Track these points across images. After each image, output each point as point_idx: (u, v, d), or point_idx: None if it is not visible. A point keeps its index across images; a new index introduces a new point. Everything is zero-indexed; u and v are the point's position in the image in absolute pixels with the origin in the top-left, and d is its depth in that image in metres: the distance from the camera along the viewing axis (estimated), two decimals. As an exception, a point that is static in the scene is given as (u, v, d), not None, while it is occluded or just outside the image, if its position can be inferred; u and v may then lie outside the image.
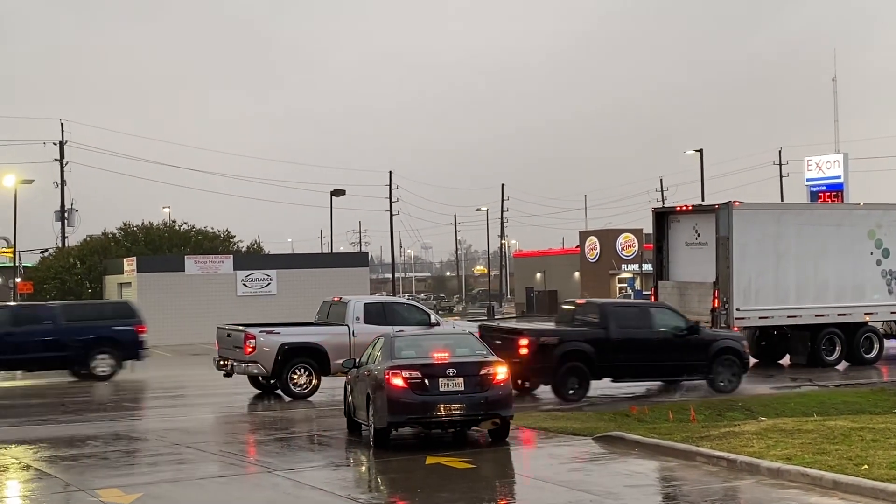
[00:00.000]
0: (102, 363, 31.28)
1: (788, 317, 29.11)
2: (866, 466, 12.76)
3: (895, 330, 31.58)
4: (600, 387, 23.46)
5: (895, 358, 31.18)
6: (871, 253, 30.40)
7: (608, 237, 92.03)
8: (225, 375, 25.99)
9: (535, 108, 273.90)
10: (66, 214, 67.16)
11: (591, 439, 16.53)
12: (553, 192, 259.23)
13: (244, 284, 54.36)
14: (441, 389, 15.97)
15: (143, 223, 63.13)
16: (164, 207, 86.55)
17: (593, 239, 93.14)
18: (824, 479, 12.43)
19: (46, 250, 68.20)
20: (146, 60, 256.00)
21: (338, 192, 72.57)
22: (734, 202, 28.87)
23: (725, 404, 20.82)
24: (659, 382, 24.68)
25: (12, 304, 41.17)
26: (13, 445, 17.58)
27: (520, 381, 22.97)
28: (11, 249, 66.46)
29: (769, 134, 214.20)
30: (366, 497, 13.44)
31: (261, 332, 24.64)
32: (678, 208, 31.71)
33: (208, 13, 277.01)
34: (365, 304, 25.86)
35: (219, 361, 25.73)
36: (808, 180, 55.75)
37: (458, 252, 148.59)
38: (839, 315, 29.60)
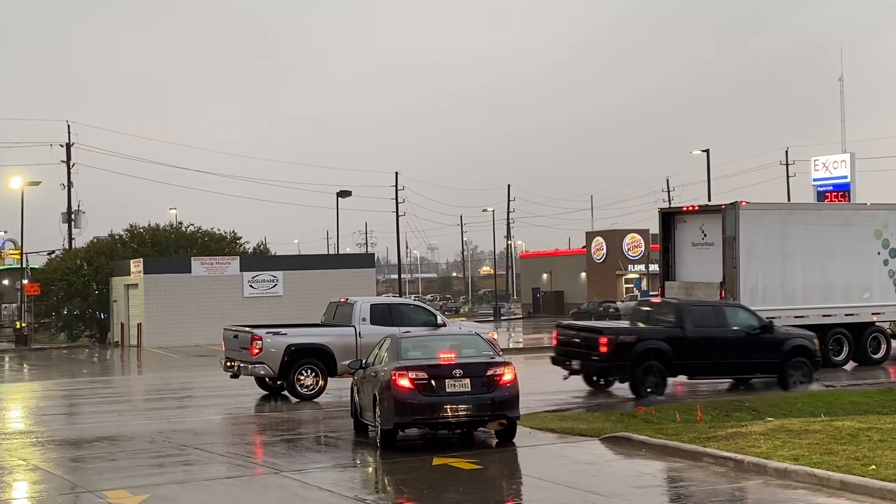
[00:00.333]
0: None
1: (795, 317, 29.04)
2: (874, 467, 12.73)
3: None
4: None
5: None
6: (879, 253, 30.35)
7: (614, 237, 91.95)
8: (232, 377, 26.00)
9: (542, 109, 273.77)
10: (72, 216, 67.33)
11: (598, 440, 16.51)
12: (559, 193, 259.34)
13: (251, 286, 54.40)
14: (448, 390, 15.96)
15: (149, 225, 63.21)
16: (170, 209, 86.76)
17: (600, 239, 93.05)
18: (832, 480, 12.41)
19: (53, 252, 68.35)
20: (152, 62, 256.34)
21: (344, 194, 72.72)
22: (741, 202, 28.83)
23: (732, 405, 20.78)
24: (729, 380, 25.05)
25: None
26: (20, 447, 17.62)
27: (595, 378, 24.37)
28: (19, 251, 66.59)
29: (776, 134, 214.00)
30: (373, 498, 13.44)
31: (267, 333, 24.64)
32: (685, 208, 31.66)
33: (215, 15, 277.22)
34: (371, 305, 25.85)
35: (225, 363, 25.73)
36: (814, 180, 55.68)
37: (465, 253, 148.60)
38: (846, 315, 29.55)
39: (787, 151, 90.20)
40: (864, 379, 26.63)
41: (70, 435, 19.26)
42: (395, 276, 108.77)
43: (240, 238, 64.08)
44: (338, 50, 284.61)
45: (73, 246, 66.43)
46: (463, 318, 70.28)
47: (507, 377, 16.27)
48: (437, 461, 15.03)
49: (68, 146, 67.12)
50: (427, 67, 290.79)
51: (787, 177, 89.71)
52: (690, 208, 31.24)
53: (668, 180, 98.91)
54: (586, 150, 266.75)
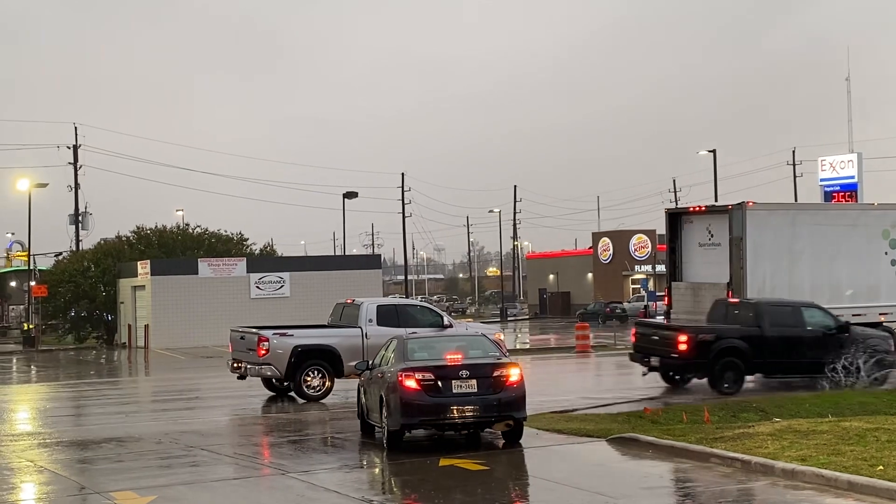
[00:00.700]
0: None
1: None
2: (881, 467, 12.71)
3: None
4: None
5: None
6: (886, 253, 30.27)
7: (621, 238, 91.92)
8: (238, 378, 26.03)
9: (548, 109, 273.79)
10: (80, 218, 67.46)
11: (605, 441, 16.49)
12: (566, 194, 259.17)
13: (257, 287, 54.47)
14: (454, 391, 15.96)
15: (156, 226, 63.32)
16: (177, 210, 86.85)
17: (606, 240, 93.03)
18: (839, 480, 12.39)
19: (61, 253, 68.52)
20: (158, 63, 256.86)
21: (350, 195, 72.68)
22: (748, 202, 28.78)
23: (739, 405, 20.74)
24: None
25: None
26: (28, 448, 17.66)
27: (671, 374, 24.94)
28: (26, 253, 66.79)
29: (783, 134, 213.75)
30: (379, 499, 13.45)
31: (274, 334, 24.67)
32: (691, 209, 31.62)
33: (218, 15, 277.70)
34: (378, 306, 25.86)
35: (232, 364, 25.77)
36: (821, 180, 55.58)
37: (471, 254, 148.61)
38: (854, 315, 29.45)
39: (794, 151, 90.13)
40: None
41: (77, 436, 19.30)
42: (402, 277, 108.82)
43: (246, 239, 64.20)
44: (341, 50, 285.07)
45: (81, 248, 66.57)
46: (469, 319, 70.28)
47: (514, 378, 16.26)
48: (443, 462, 15.03)
49: (75, 148, 67.26)
50: (431, 67, 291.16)
51: (794, 177, 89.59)
52: (697, 209, 31.20)
53: (674, 181, 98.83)
54: (593, 151, 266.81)
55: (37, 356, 51.23)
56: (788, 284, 28.85)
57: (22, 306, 72.09)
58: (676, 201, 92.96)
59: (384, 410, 16.37)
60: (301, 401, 24.21)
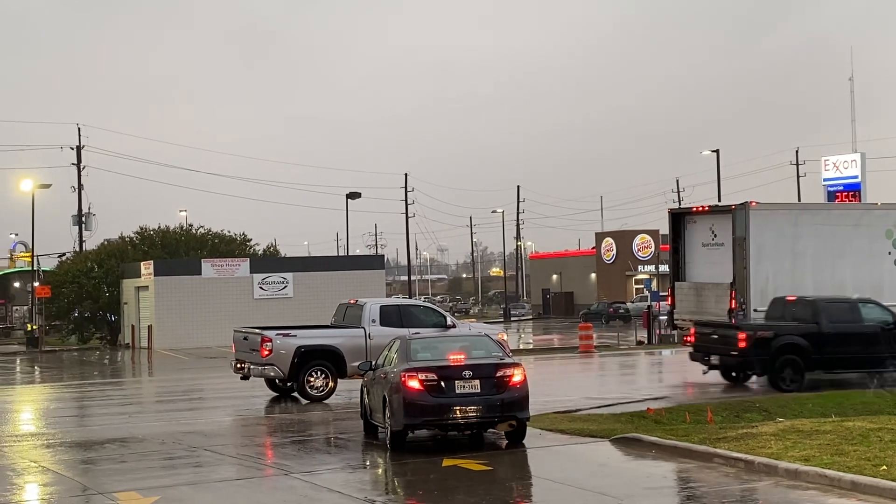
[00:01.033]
0: None
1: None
2: (885, 467, 12.69)
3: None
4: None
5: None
6: (889, 253, 30.24)
7: (624, 238, 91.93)
8: (242, 378, 26.04)
9: (551, 110, 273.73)
10: (83, 218, 67.52)
11: (608, 441, 16.48)
12: (569, 194, 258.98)
13: (261, 287, 54.48)
14: (457, 391, 15.96)
15: (159, 227, 63.33)
16: (180, 211, 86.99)
17: (609, 240, 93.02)
18: (842, 480, 12.38)
19: (64, 254, 68.58)
20: (160, 63, 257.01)
21: (354, 195, 72.76)
22: (751, 202, 28.75)
23: (743, 405, 20.74)
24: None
25: None
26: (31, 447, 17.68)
27: (732, 373, 25.38)
28: (30, 253, 66.83)
29: (786, 134, 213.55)
30: (383, 499, 13.45)
31: (277, 334, 24.67)
32: (695, 209, 31.60)
33: (223, 16, 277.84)
34: (381, 306, 25.85)
35: (236, 364, 25.78)
36: (825, 180, 55.53)
37: (474, 254, 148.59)
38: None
39: (797, 151, 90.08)
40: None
41: (81, 437, 19.31)
42: (405, 278, 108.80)
43: (250, 240, 64.22)
44: (345, 50, 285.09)
45: (84, 248, 66.60)
46: (473, 320, 70.26)
47: (517, 378, 16.26)
48: (446, 462, 15.03)
49: (78, 149, 67.33)
50: (435, 68, 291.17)
51: (798, 177, 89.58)
52: (700, 209, 31.18)
53: (677, 181, 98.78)
54: (595, 151, 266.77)
55: (40, 357, 51.27)
56: (791, 284, 28.81)
57: (25, 307, 72.13)
58: (680, 201, 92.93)
59: (387, 411, 16.37)
60: (304, 401, 24.21)
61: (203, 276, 53.75)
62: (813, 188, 75.38)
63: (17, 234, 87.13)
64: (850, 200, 51.62)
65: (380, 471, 15.60)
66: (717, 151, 75.63)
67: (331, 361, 24.49)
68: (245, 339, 25.44)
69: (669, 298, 31.50)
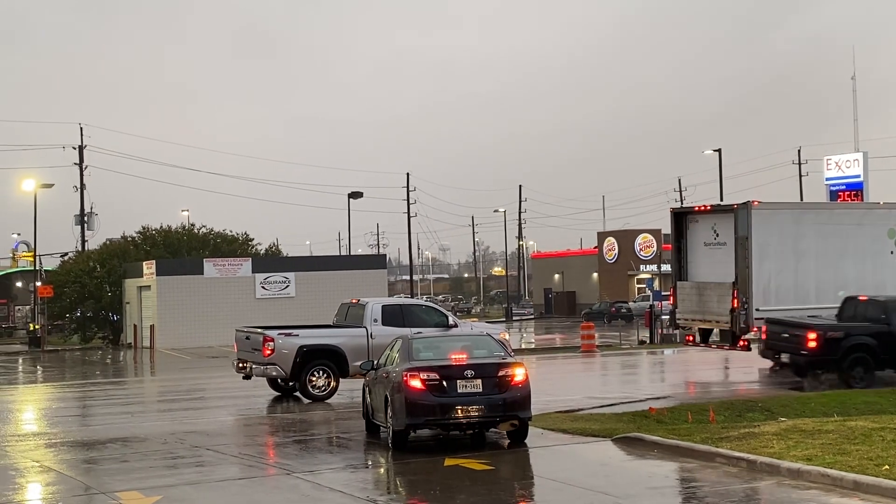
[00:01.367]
0: None
1: (808, 317, 28.92)
2: (887, 467, 12.68)
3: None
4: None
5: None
6: (892, 252, 30.19)
7: (626, 238, 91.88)
8: (244, 378, 26.05)
9: (553, 109, 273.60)
10: (85, 218, 67.58)
11: (610, 441, 16.47)
12: (571, 193, 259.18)
13: (263, 287, 54.50)
14: (459, 391, 15.95)
15: (161, 226, 63.38)
16: (182, 210, 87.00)
17: (611, 239, 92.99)
18: (845, 480, 12.37)
19: (66, 254, 68.61)
20: (162, 63, 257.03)
21: (355, 195, 72.76)
22: (753, 202, 28.72)
23: (745, 405, 20.73)
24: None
25: None
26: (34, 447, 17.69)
27: (802, 371, 25.38)
28: (32, 253, 66.86)
29: (788, 133, 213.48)
30: (385, 499, 13.45)
31: (279, 334, 24.68)
32: (697, 208, 31.56)
33: (225, 16, 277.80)
34: (383, 306, 25.85)
35: (238, 364, 25.79)
36: (827, 179, 55.44)
37: (476, 253, 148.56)
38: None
39: (799, 151, 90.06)
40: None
41: (83, 436, 19.32)
42: (407, 277, 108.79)
43: (252, 239, 64.26)
44: (347, 50, 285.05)
45: (86, 248, 66.65)
46: (474, 319, 70.28)
47: (519, 378, 16.25)
48: (448, 462, 15.03)
49: (81, 149, 67.36)
50: (437, 67, 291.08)
51: (800, 176, 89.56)
52: (702, 208, 31.15)
53: (680, 180, 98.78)
54: (598, 150, 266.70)
55: (42, 356, 51.31)
56: (794, 284, 28.80)
57: (28, 307, 72.22)
58: (682, 201, 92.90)
59: (389, 410, 16.37)
60: (306, 401, 24.22)
61: (205, 276, 53.77)
62: (815, 187, 75.28)
63: (19, 234, 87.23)
64: (852, 200, 51.52)
65: (382, 470, 15.60)
66: (719, 151, 75.64)
67: (333, 361, 24.49)
68: (247, 338, 25.45)
69: (671, 298, 31.46)
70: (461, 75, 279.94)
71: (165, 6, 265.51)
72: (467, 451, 16.03)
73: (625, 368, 33.58)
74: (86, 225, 67.67)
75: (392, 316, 25.30)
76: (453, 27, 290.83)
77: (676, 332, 38.30)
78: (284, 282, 54.87)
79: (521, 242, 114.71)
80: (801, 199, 74.20)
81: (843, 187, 53.96)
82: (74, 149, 67.28)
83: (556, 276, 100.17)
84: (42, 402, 27.23)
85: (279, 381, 25.41)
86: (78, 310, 60.24)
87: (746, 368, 29.89)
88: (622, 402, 22.09)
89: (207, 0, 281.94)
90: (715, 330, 30.20)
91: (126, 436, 19.15)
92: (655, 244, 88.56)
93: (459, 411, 15.89)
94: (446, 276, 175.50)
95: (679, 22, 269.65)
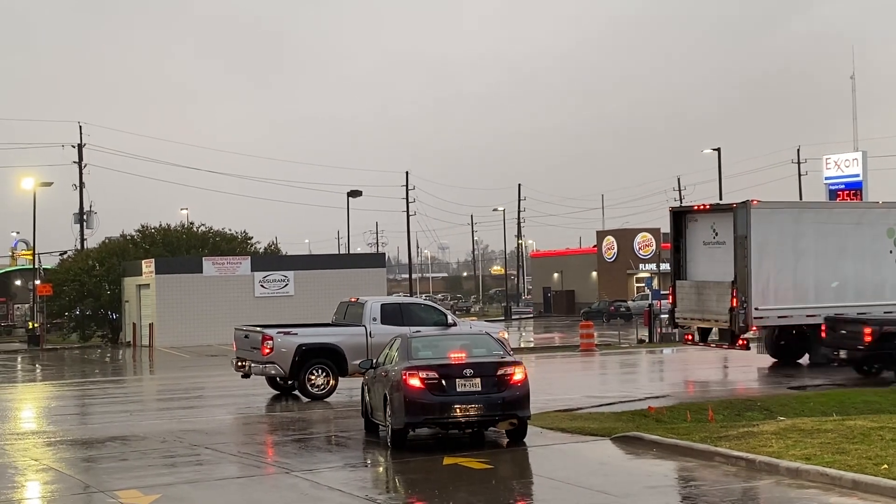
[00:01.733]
0: None
1: (807, 316, 28.96)
2: (886, 466, 12.69)
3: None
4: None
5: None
6: (891, 251, 30.22)
7: (625, 237, 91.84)
8: (243, 376, 26.04)
9: (553, 108, 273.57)
10: (84, 217, 67.58)
11: (609, 440, 16.48)
12: (570, 192, 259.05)
13: (262, 285, 54.49)
14: (458, 390, 15.95)
15: (160, 225, 63.40)
16: (181, 209, 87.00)
17: (611, 238, 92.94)
18: (844, 479, 12.37)
19: (66, 252, 68.64)
20: (161, 62, 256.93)
21: (354, 193, 72.77)
22: (752, 201, 28.74)
23: (744, 404, 20.75)
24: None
25: None
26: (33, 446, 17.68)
27: (863, 367, 26.27)
28: (31, 251, 66.87)
29: (787, 132, 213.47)
30: (384, 498, 13.45)
31: (278, 333, 24.67)
32: (696, 207, 31.58)
33: (225, 16, 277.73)
34: (382, 304, 25.85)
35: (236, 362, 25.78)
36: (826, 178, 55.45)
37: (475, 252, 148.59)
38: (858, 314, 29.44)
39: (798, 150, 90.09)
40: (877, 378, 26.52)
41: (82, 435, 19.32)
42: (406, 276, 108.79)
43: (251, 238, 64.25)
44: (346, 49, 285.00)
45: (85, 246, 66.65)
46: (473, 318, 70.29)
47: (518, 377, 16.25)
48: (447, 461, 15.02)
49: (80, 147, 67.35)
50: (436, 66, 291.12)
51: (799, 175, 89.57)
52: (702, 207, 31.17)
53: (679, 179, 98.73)
54: (597, 149, 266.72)
55: (41, 355, 51.31)
56: (793, 283, 28.83)
57: (27, 305, 72.22)
58: (681, 200, 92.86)
59: (388, 409, 16.37)
60: (305, 399, 24.21)
61: (204, 275, 53.77)
62: (814, 187, 75.31)
63: (18, 232, 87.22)
64: (851, 199, 51.52)
65: (381, 469, 15.59)
66: (718, 150, 75.61)
67: (332, 360, 24.49)
68: (246, 337, 25.44)
69: (670, 297, 31.48)
70: (460, 74, 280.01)
71: (165, 6, 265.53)
72: (466, 450, 16.03)
73: (624, 367, 33.58)
74: (85, 223, 67.66)
75: (391, 315, 25.30)
76: (453, 27, 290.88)
77: (675, 331, 38.30)
78: (283, 280, 54.86)
79: (520, 241, 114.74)
80: (801, 199, 74.25)
81: (843, 186, 53.97)
82: (74, 147, 67.28)
83: (556, 275, 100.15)
84: (41, 401, 27.22)
85: (278, 379, 25.40)
86: (77, 308, 60.23)
87: (745, 367, 29.91)
88: (621, 401, 22.09)
89: (207, 0, 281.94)
90: (714, 329, 30.23)
91: (125, 434, 19.14)
92: (654, 243, 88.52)
93: (458, 410, 15.88)
94: (445, 274, 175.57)
95: (679, 21, 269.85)
